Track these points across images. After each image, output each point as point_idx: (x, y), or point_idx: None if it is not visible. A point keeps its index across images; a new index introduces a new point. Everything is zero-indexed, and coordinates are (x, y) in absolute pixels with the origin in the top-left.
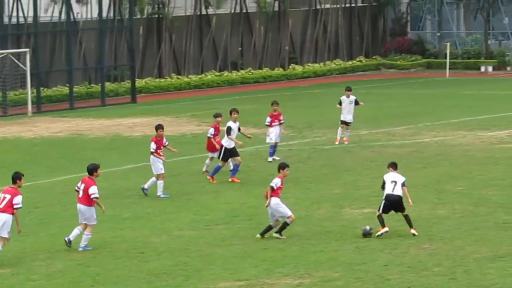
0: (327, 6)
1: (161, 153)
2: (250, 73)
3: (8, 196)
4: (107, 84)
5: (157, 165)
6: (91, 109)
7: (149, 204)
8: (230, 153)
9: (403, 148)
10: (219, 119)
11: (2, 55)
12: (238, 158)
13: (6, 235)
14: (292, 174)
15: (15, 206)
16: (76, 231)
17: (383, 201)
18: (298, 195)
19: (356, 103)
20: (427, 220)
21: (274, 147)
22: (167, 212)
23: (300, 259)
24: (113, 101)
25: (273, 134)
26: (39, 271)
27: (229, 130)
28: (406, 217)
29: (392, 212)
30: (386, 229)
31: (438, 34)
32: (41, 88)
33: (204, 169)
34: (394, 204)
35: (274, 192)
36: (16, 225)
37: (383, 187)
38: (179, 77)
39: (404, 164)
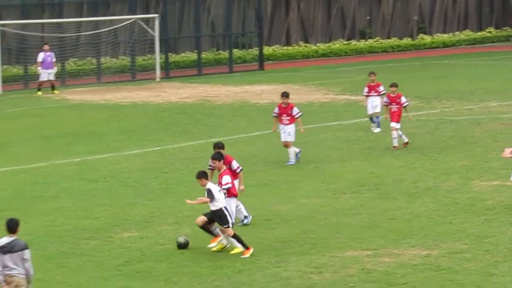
0: None
1: (285, 121)
2: (378, 43)
3: None
4: (235, 51)
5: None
6: (218, 76)
7: (275, 172)
8: None
9: None
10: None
11: (131, 21)
12: None
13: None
14: (419, 145)
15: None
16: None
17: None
18: (426, 165)
19: None
20: None
21: (377, 117)
22: (293, 180)
23: (428, 230)
24: (240, 68)
25: (370, 104)
26: (167, 235)
27: None
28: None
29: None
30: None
31: None
32: (169, 54)
33: (395, 144)
34: None
35: None
36: None
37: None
38: (307, 45)
39: None
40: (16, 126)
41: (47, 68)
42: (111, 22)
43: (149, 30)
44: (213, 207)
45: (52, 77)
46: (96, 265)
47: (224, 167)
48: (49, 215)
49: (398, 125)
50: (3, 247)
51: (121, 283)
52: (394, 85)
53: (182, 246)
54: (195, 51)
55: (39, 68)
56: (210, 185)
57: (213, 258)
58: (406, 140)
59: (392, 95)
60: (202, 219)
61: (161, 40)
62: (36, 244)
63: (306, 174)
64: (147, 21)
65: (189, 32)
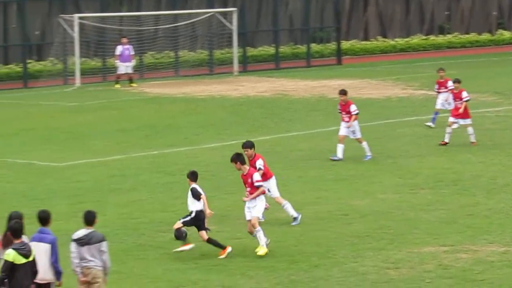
0: None
1: (346, 119)
2: (457, 38)
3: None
4: (312, 45)
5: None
6: (296, 70)
7: (352, 166)
8: None
9: None
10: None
11: (209, 14)
12: None
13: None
14: (498, 141)
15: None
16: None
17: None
18: (505, 162)
19: None
20: None
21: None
22: (370, 175)
23: (506, 227)
24: (318, 62)
25: (440, 100)
26: (243, 229)
27: None
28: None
29: None
30: (191, 245)
31: None
32: (247, 48)
33: (472, 140)
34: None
35: None
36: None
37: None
38: (385, 40)
39: None
40: (94, 118)
41: (125, 61)
42: (189, 15)
43: (227, 23)
44: (193, 207)
45: (130, 70)
46: (173, 258)
47: (246, 167)
48: (126, 208)
49: (468, 121)
50: (80, 239)
51: (197, 276)
52: (457, 81)
53: (179, 237)
54: (273, 45)
55: (117, 61)
56: (194, 185)
57: (288, 252)
58: (447, 140)
59: (455, 91)
60: (203, 235)
61: (239, 34)
62: (113, 236)
63: (383, 169)
64: (225, 15)
65: (267, 26)
